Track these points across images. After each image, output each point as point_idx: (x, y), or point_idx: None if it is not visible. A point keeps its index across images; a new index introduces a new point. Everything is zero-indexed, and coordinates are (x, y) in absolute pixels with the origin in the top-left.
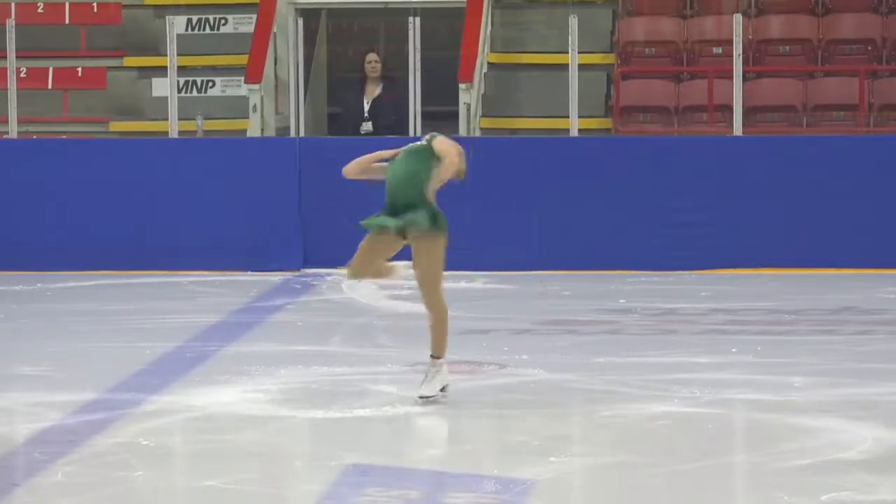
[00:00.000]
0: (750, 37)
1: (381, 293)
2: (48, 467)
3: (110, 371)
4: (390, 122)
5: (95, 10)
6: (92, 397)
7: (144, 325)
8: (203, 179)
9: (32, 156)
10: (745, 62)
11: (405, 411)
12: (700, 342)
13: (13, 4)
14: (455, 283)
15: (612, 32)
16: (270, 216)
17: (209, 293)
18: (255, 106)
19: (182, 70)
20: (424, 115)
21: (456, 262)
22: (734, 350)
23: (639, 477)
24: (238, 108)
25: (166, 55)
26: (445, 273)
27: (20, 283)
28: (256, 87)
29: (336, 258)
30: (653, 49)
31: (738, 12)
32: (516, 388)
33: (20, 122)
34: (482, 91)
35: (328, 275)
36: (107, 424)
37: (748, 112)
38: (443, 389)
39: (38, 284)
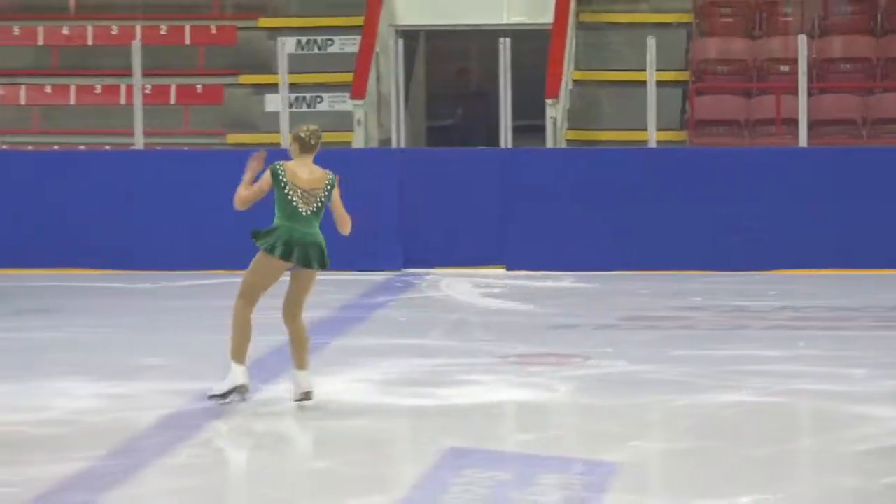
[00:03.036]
0: (814, 56)
1: (476, 291)
2: (173, 450)
3: (225, 362)
4: None
5: (213, 31)
6: (210, 385)
7: (259, 320)
8: None
9: (156, 165)
10: (810, 79)
11: (498, 399)
12: (769, 337)
13: (138, 27)
14: (543, 282)
15: (687, 52)
16: (374, 221)
17: (318, 291)
18: (359, 120)
19: (292, 87)
20: (515, 129)
21: (544, 262)
22: (801, 344)
23: (713, 460)
24: (344, 121)
25: (278, 73)
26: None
27: (146, 281)
28: (361, 102)
29: (433, 259)
30: (725, 67)
31: (802, 33)
32: (600, 379)
33: (146, 134)
34: (567, 106)
35: (427, 274)
36: (225, 411)
37: (812, 125)
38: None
39: (163, 283)
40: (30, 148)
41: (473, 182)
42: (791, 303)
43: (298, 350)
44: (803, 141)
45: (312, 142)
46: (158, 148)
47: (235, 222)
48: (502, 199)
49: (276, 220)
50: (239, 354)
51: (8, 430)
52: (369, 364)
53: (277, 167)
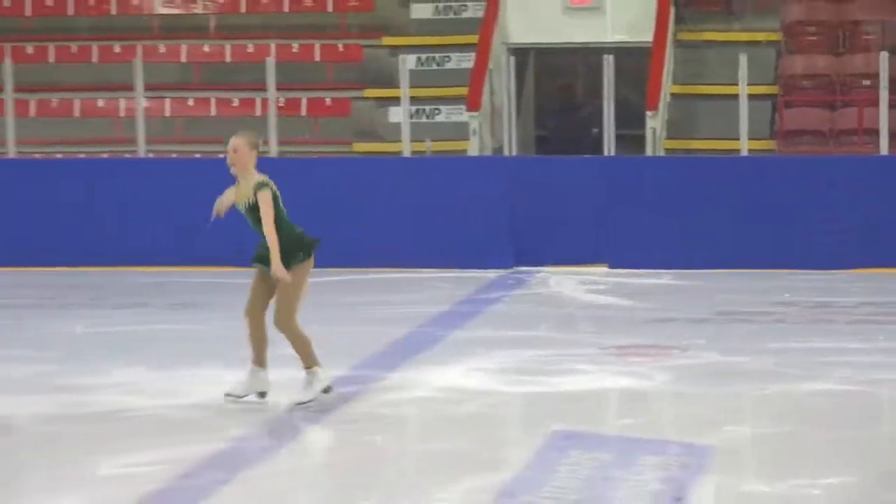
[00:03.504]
0: (894, 71)
1: (581, 288)
2: (307, 431)
3: (356, 351)
4: None
5: (340, 49)
6: (341, 373)
7: (384, 314)
8: (431, 191)
9: (289, 171)
10: (890, 92)
11: (601, 386)
12: (852, 331)
13: (272, 45)
14: (643, 279)
15: (776, 68)
16: (487, 222)
17: (436, 287)
18: (474, 130)
19: (413, 100)
20: (617, 139)
21: (644, 261)
22: (881, 337)
23: (801, 444)
24: (460, 131)
25: (400, 87)
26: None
27: None
28: (476, 114)
29: (543, 258)
30: (810, 82)
31: (883, 50)
32: (695, 369)
33: (279, 143)
34: (666, 117)
35: (536, 272)
36: (353, 396)
37: (893, 135)
38: (325, 391)
39: None
40: (174, 155)
41: (579, 187)
42: (872, 299)
43: (264, 346)
44: (884, 149)
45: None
46: (290, 156)
47: (361, 222)
48: (605, 203)
49: (287, 231)
50: (313, 359)
51: (156, 413)
52: (484, 354)
53: (271, 184)
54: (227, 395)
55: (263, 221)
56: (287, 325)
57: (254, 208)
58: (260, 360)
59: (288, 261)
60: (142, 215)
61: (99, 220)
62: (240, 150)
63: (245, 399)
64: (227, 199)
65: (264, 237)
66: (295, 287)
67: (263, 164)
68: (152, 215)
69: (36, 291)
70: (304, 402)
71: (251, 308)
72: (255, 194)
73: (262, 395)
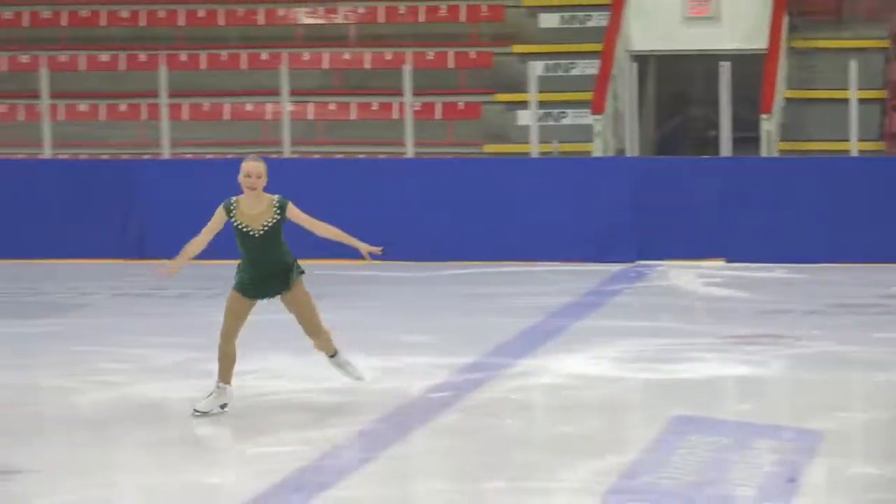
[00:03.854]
0: None
1: (699, 281)
2: (439, 415)
3: (486, 340)
4: None
5: (472, 56)
6: (472, 360)
7: (513, 305)
8: (558, 189)
9: (424, 172)
10: None
11: (718, 374)
12: None
13: (409, 53)
14: (758, 273)
15: (884, 73)
16: (611, 218)
17: (562, 280)
18: (598, 132)
19: (541, 104)
20: (734, 141)
21: (759, 255)
22: None
23: None
24: (585, 134)
25: (528, 92)
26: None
27: (415, 270)
28: (600, 117)
29: (663, 252)
30: None
31: None
32: (808, 357)
33: (415, 144)
34: (780, 120)
35: (657, 266)
36: (483, 382)
37: None
38: (222, 407)
39: (428, 272)
40: (316, 156)
41: (697, 186)
42: None
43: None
44: None
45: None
46: (426, 157)
47: (491, 218)
48: (723, 201)
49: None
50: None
51: (299, 397)
52: (607, 343)
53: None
54: (196, 411)
55: (310, 224)
56: (315, 333)
57: (274, 229)
58: (228, 378)
59: (296, 273)
60: None
61: None
62: (263, 176)
63: (284, 398)
64: (191, 250)
65: (273, 260)
66: (309, 297)
67: (398, 165)
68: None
69: (185, 283)
70: (200, 411)
71: (236, 333)
72: (281, 210)
73: (224, 406)
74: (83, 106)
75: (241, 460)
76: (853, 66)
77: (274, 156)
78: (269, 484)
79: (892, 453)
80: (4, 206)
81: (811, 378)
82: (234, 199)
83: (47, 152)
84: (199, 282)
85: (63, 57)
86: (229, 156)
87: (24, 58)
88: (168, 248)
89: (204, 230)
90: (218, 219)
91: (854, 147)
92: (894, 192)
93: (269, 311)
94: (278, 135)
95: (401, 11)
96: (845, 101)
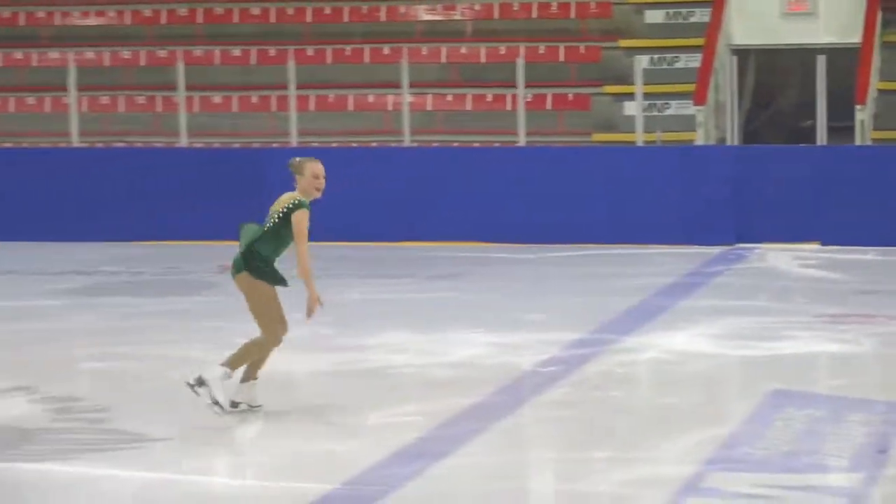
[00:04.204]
0: None
1: (795, 263)
2: (549, 388)
3: (593, 317)
4: None
5: (582, 51)
6: (580, 337)
7: (619, 284)
8: (662, 176)
9: (535, 160)
10: None
11: (813, 350)
12: None
13: (521, 48)
14: (851, 255)
15: None
16: (711, 203)
17: (665, 261)
18: (700, 122)
19: (646, 95)
20: (829, 130)
21: (852, 238)
22: None
23: None
24: (688, 123)
25: (634, 84)
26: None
27: (527, 252)
28: (702, 108)
29: (761, 235)
30: None
31: None
32: None
33: (526, 134)
34: (873, 111)
35: (755, 248)
36: (591, 357)
37: None
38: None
39: (540, 254)
40: (434, 145)
41: (794, 173)
42: None
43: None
44: None
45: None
46: (537, 145)
47: (599, 203)
48: (818, 187)
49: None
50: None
51: (419, 371)
52: (708, 321)
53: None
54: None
55: (297, 239)
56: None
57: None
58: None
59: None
60: (410, 197)
61: (370, 202)
62: None
63: (404, 372)
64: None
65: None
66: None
67: (510, 153)
68: (408, 196)
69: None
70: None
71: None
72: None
73: (235, 405)
74: (216, 98)
75: (364, 430)
76: None
77: (394, 144)
78: (390, 452)
79: None
80: (145, 192)
81: None
82: (304, 199)
83: (183, 141)
84: (321, 263)
85: (198, 52)
86: (353, 144)
87: (162, 53)
88: None
89: (305, 240)
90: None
91: None
92: None
93: (385, 291)
94: (399, 125)
95: (515, 8)
96: None
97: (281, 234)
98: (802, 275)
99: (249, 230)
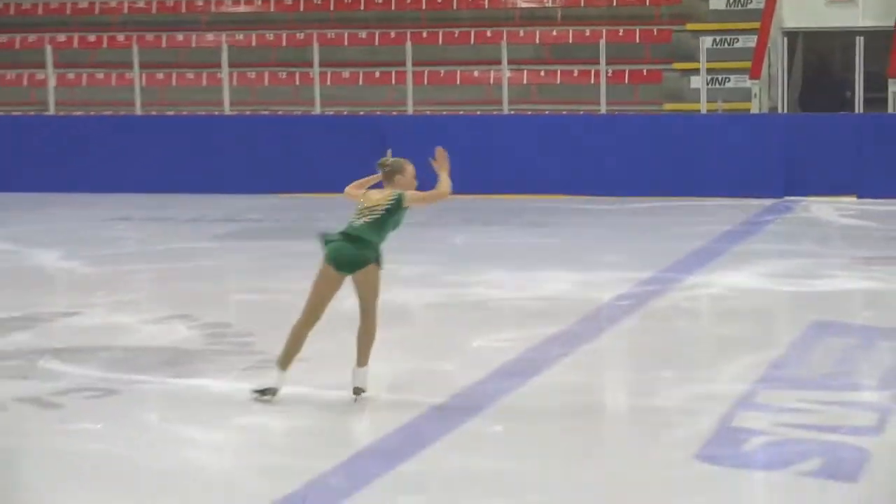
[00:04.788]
0: None
1: (835, 213)
2: (623, 319)
3: (662, 260)
4: None
5: (655, 33)
6: (650, 275)
7: (683, 231)
8: (722, 139)
9: (614, 126)
10: None
11: (849, 287)
12: None
13: (604, 30)
14: (885, 206)
15: None
16: (764, 162)
17: (724, 212)
18: (755, 94)
19: (709, 71)
20: (865, 101)
21: (887, 192)
22: None
23: None
24: (744, 95)
25: (699, 61)
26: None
27: (609, 204)
28: (757, 81)
29: (805, 189)
30: None
31: None
32: None
33: (607, 103)
34: None
35: (801, 201)
36: (659, 293)
37: None
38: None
39: (607, 206)
40: (529, 113)
41: (835, 136)
42: None
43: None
44: None
45: (382, 171)
46: (616, 113)
47: (668, 162)
48: (854, 149)
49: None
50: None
51: (512, 304)
52: (759, 263)
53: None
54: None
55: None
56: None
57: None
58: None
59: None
60: (508, 156)
61: (475, 161)
62: None
63: (501, 303)
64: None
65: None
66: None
67: (595, 120)
68: (507, 156)
69: (424, 215)
70: (360, 391)
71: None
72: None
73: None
74: (345, 73)
75: (465, 351)
76: None
77: (495, 113)
78: (487, 371)
79: None
80: (284, 152)
81: None
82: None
83: (317, 110)
84: (430, 210)
85: (330, 34)
86: (460, 112)
87: (300, 35)
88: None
89: (432, 197)
90: None
91: None
92: None
93: (485, 237)
94: (499, 96)
95: None
96: None
97: (385, 225)
98: (841, 223)
99: (357, 230)
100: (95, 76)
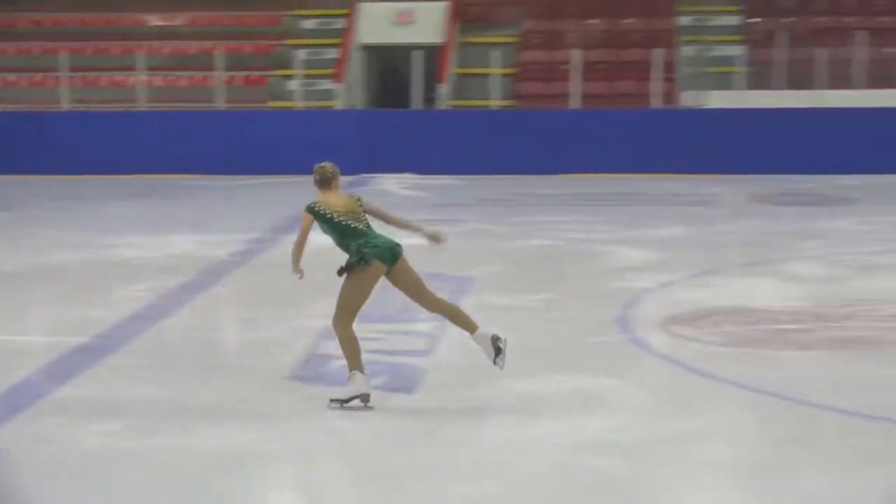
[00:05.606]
0: None
1: (397, 185)
2: (234, 271)
3: (265, 223)
4: None
5: (262, 47)
6: (256, 236)
7: (277, 201)
8: (314, 130)
9: (225, 122)
10: None
11: (414, 243)
12: None
13: (224, 44)
14: (431, 180)
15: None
16: (345, 147)
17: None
18: (338, 95)
19: (304, 77)
20: (425, 99)
21: (432, 169)
22: None
23: None
24: (331, 95)
25: (295, 69)
26: None
27: (207, 181)
28: (340, 85)
29: (376, 168)
30: None
31: None
32: None
33: (225, 101)
34: (450, 87)
35: (374, 177)
36: (262, 250)
37: None
38: (363, 400)
39: (225, 183)
40: (163, 110)
41: (399, 126)
42: None
43: (460, 319)
44: None
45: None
46: (231, 110)
47: (265, 146)
48: (411, 135)
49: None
50: (356, 363)
51: (147, 261)
52: None
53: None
54: (332, 400)
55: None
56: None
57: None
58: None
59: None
60: (133, 145)
61: (128, 149)
62: None
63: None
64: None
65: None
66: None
67: (211, 116)
68: (141, 145)
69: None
70: (336, 399)
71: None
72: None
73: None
74: (11, 77)
75: (110, 301)
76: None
77: (134, 110)
78: (126, 315)
79: None
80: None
81: None
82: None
83: None
84: (89, 187)
85: None
86: (108, 109)
87: None
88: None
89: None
90: None
91: None
92: None
93: (136, 209)
94: (138, 96)
95: None
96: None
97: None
98: (402, 194)
99: (373, 230)
100: None
